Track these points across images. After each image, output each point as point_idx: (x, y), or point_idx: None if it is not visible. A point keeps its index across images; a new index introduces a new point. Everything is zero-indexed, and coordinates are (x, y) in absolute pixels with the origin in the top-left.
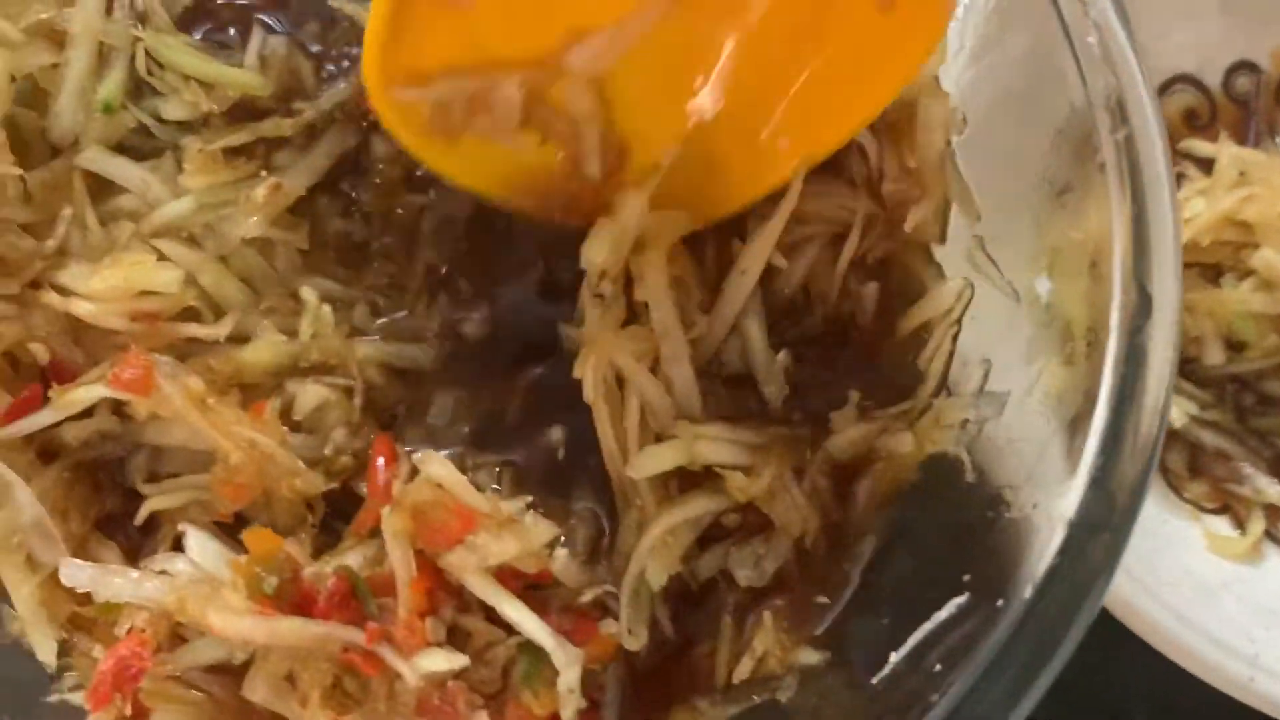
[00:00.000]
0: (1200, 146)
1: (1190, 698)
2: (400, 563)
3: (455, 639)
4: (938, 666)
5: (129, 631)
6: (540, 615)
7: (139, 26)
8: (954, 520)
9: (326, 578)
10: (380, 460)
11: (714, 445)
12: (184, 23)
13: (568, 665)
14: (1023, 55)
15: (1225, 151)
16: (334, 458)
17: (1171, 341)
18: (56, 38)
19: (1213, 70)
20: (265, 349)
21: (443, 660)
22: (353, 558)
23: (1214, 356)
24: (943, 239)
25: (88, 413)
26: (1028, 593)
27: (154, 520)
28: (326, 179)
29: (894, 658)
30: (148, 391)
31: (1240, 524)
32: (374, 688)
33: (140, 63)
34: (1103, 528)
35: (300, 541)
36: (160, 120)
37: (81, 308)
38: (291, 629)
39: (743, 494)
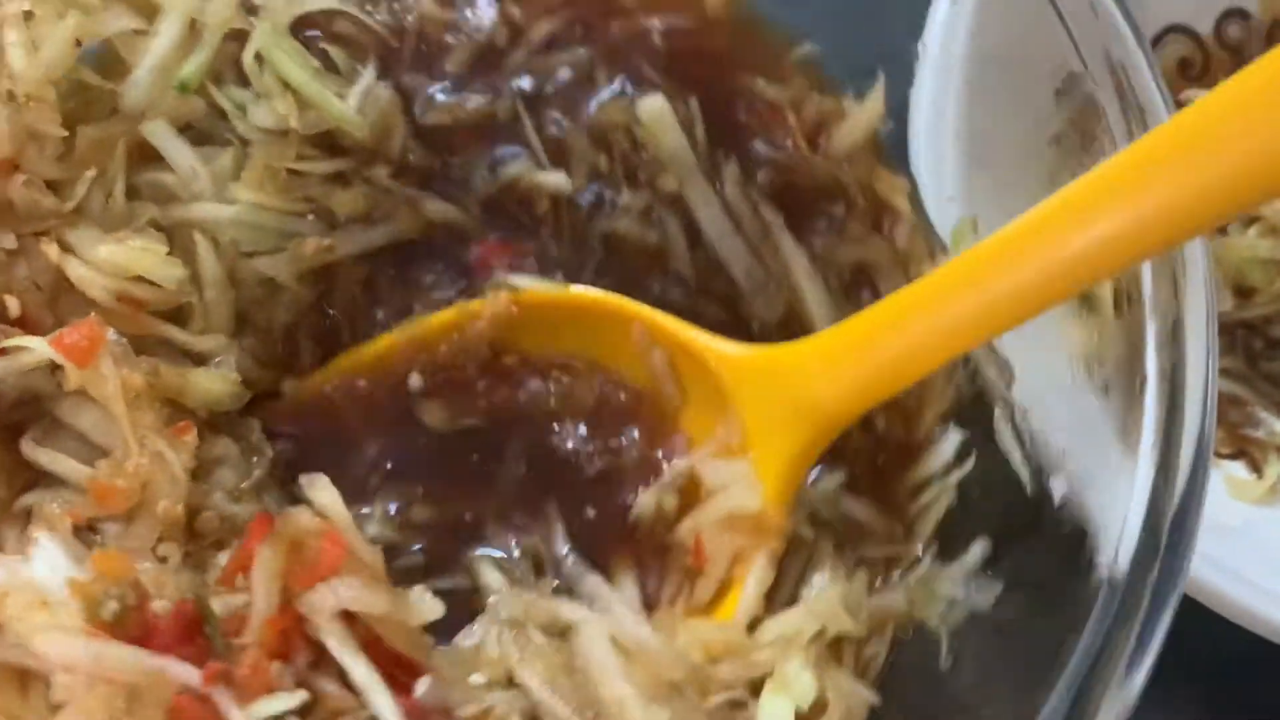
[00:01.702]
0: (1199, 96)
1: (1212, 642)
2: (261, 592)
3: None
4: None
5: None
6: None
7: (250, 16)
8: None
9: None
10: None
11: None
12: (298, 24)
13: None
14: (1015, 16)
15: None
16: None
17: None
18: (142, 5)
19: (1205, 19)
20: (219, 381)
21: (281, 702)
22: (215, 604)
23: (1223, 304)
24: None
25: None
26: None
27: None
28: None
29: None
30: (86, 363)
31: (1257, 468)
32: None
33: (249, 56)
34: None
35: (156, 574)
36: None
37: (75, 269)
38: (121, 658)
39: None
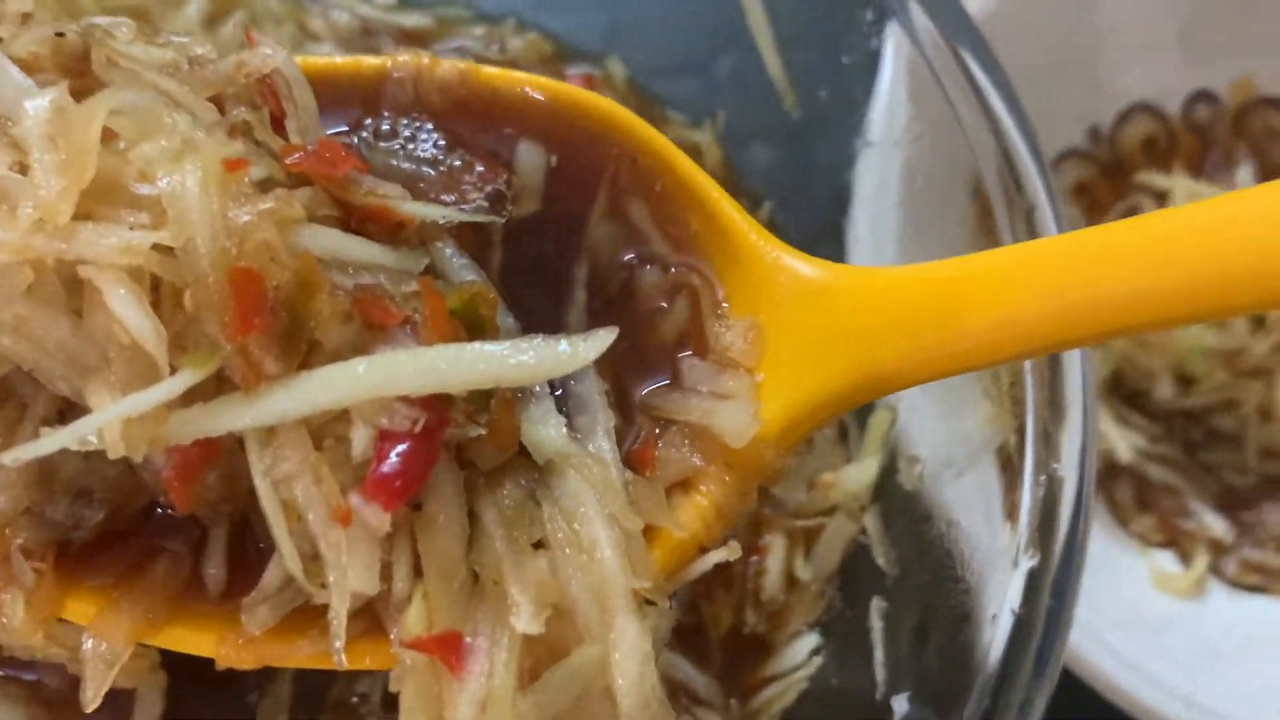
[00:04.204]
0: (1155, 179)
1: None
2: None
3: None
4: None
5: None
6: None
7: None
8: None
9: None
10: None
11: None
12: None
13: None
14: (936, 117)
15: (1180, 185)
16: None
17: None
18: None
19: (1172, 98)
20: None
21: None
22: None
23: (1164, 391)
24: None
25: None
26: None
27: None
28: None
29: None
30: None
31: (1186, 558)
32: None
33: None
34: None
35: None
36: None
37: None
38: None
39: None
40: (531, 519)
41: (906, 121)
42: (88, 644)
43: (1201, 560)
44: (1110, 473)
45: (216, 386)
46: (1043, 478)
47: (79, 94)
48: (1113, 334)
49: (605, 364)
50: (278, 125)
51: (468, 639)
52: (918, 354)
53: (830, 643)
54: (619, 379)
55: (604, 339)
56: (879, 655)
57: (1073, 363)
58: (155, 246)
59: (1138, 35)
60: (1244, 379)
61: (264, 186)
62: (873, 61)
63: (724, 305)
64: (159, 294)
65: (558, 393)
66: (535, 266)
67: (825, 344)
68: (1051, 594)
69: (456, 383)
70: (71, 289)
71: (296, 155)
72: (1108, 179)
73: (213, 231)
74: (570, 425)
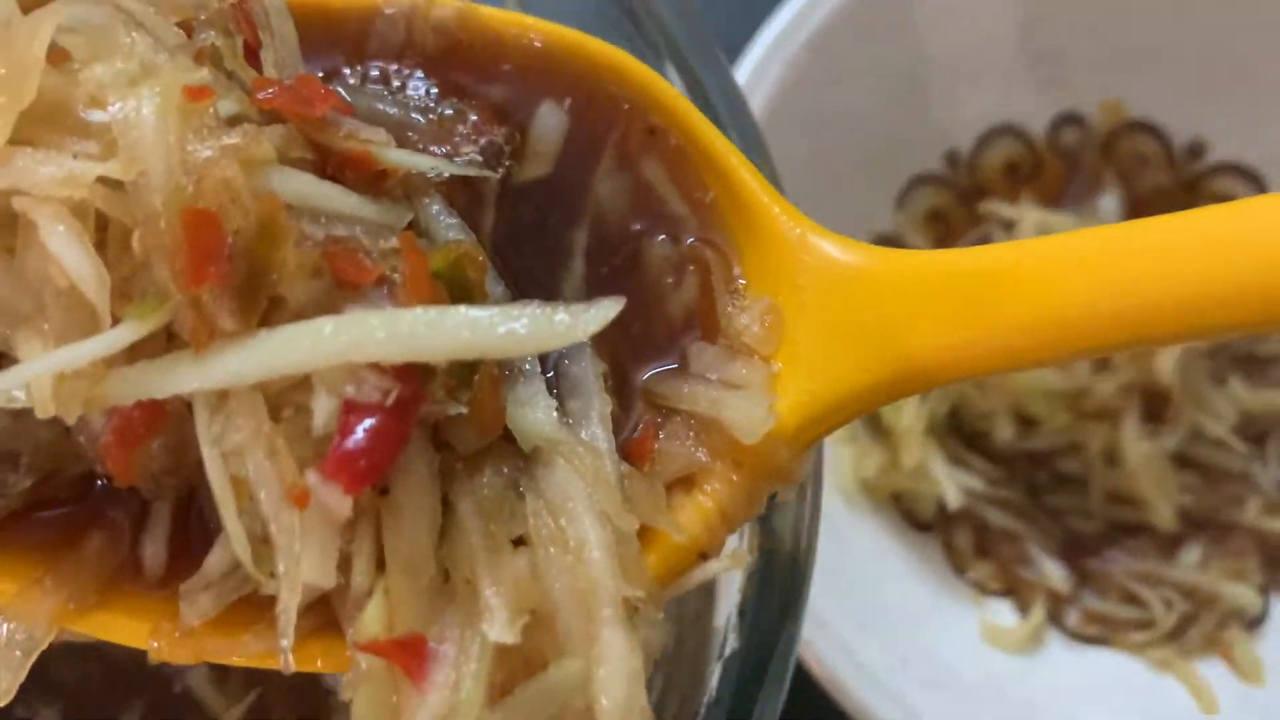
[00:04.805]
0: (1002, 209)
1: None
2: None
3: None
4: None
5: None
6: None
7: None
8: None
9: None
10: None
11: None
12: None
13: None
14: None
15: (1028, 216)
16: None
17: None
18: None
19: (1038, 119)
20: None
21: None
22: None
23: (1004, 432)
24: None
25: None
26: None
27: None
28: None
29: None
30: None
31: (1024, 607)
32: None
33: None
34: None
35: None
36: None
37: None
38: None
39: None
40: (513, 512)
41: None
42: (2, 628)
43: (1039, 611)
44: (945, 517)
45: (165, 344)
46: (752, 556)
47: (29, 8)
48: (1207, 334)
49: (604, 343)
50: (252, 57)
51: (432, 644)
52: (967, 347)
53: None
54: (618, 360)
55: (608, 309)
56: None
57: None
58: (102, 180)
59: (998, 53)
60: (1087, 421)
61: (232, 124)
62: None
63: (740, 284)
64: (105, 235)
65: (549, 373)
66: (532, 231)
67: (853, 332)
68: (746, 690)
69: (436, 351)
70: (4, 224)
71: (270, 90)
72: (965, 205)
73: (168, 165)
74: (561, 409)
